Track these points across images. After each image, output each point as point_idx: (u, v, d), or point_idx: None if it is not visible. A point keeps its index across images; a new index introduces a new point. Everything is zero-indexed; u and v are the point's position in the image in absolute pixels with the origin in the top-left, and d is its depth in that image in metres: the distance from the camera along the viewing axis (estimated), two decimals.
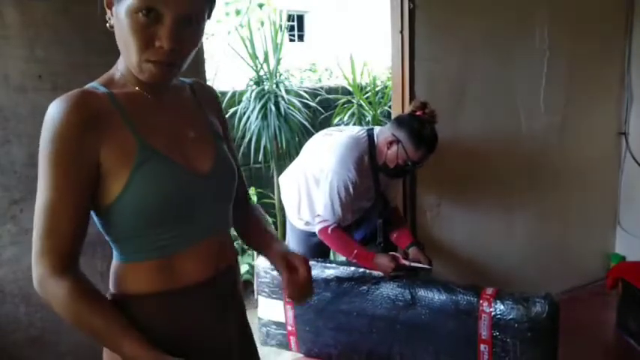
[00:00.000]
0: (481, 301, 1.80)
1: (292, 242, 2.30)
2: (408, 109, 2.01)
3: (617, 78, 2.94)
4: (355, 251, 1.95)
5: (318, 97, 3.91)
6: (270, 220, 3.56)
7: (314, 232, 2.16)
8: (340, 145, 1.94)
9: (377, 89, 3.87)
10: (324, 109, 3.93)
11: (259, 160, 3.48)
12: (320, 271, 2.02)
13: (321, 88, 4.12)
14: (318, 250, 2.20)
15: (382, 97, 3.83)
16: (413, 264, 1.96)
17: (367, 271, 2.00)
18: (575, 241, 2.98)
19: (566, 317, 2.67)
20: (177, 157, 0.88)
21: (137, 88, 0.88)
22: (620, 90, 2.95)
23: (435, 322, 1.87)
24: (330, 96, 4.04)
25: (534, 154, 2.71)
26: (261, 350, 2.18)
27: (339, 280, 1.99)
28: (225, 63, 3.81)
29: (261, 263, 2.13)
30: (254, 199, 3.53)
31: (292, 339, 2.13)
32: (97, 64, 1.14)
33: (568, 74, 2.71)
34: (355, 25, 10.53)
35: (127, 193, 0.83)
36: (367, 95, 3.83)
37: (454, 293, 1.85)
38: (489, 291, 1.83)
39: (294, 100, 3.54)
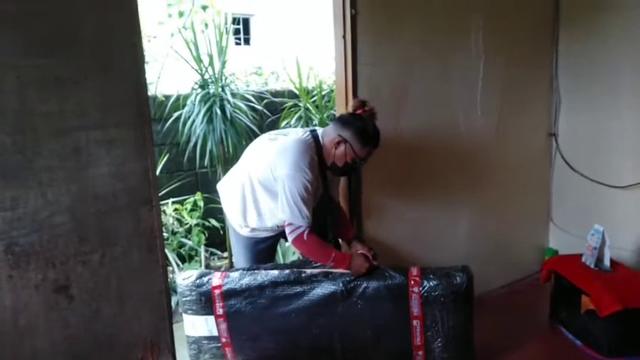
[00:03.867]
0: (410, 282, 1.96)
1: (237, 250, 2.25)
2: (348, 108, 2.05)
3: (547, 82, 3.12)
4: (333, 255, 1.97)
5: (265, 101, 3.91)
6: (219, 225, 3.50)
7: (260, 239, 2.15)
8: (291, 149, 1.93)
9: (323, 93, 3.91)
10: (270, 112, 3.93)
11: (205, 164, 3.43)
12: (252, 279, 2.02)
13: (268, 91, 4.12)
14: (264, 256, 2.19)
15: (329, 101, 3.88)
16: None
17: (302, 272, 2.03)
18: (512, 237, 3.13)
19: (505, 308, 2.83)
20: None
21: None
22: (550, 93, 3.14)
23: (371, 307, 1.98)
24: (276, 99, 4.05)
25: (473, 154, 2.83)
26: None
27: (274, 285, 2.00)
28: (169, 66, 3.73)
29: (183, 282, 2.08)
30: (200, 204, 3.48)
31: (227, 350, 2.11)
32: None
33: (502, 78, 2.85)
34: (301, 29, 10.58)
35: None
36: (314, 99, 3.87)
37: (384, 279, 1.99)
38: (415, 272, 1.99)
39: (241, 104, 3.52)
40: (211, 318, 2.06)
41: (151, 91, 3.42)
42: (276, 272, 2.03)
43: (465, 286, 1.95)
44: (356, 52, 2.29)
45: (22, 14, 1.23)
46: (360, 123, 1.95)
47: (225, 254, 3.65)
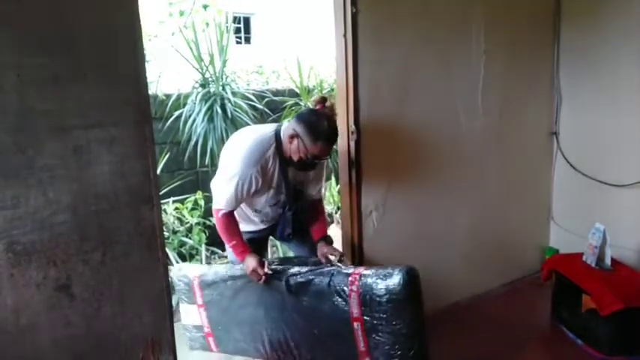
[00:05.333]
0: (350, 280, 1.85)
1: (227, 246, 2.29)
2: (310, 104, 2.07)
3: (548, 80, 3.12)
4: (234, 242, 2.04)
5: (266, 99, 3.91)
6: None
7: (247, 231, 2.21)
8: (245, 146, 1.98)
9: (324, 91, 3.91)
10: (271, 111, 3.93)
11: (206, 163, 3.43)
12: (221, 269, 2.14)
13: (269, 90, 4.12)
14: (253, 247, 2.20)
15: None
16: (271, 270, 2.02)
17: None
18: (513, 236, 3.13)
19: (506, 307, 2.84)
20: None
21: None
22: (551, 92, 3.13)
23: (314, 306, 1.94)
24: (277, 98, 4.06)
25: (474, 153, 2.82)
26: (190, 355, 2.23)
27: (233, 278, 2.09)
28: (170, 65, 3.74)
29: (176, 273, 2.17)
30: (201, 203, 3.48)
31: (210, 339, 2.19)
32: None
33: (503, 77, 2.85)
34: (301, 28, 10.58)
35: None
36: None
37: (329, 276, 1.91)
38: (357, 270, 1.90)
39: (241, 103, 3.53)
40: (194, 307, 2.19)
41: (151, 90, 3.43)
42: (234, 266, 2.11)
43: (407, 287, 1.75)
44: (357, 51, 2.29)
45: (22, 13, 1.23)
46: (314, 119, 1.95)
47: (226, 253, 3.65)
